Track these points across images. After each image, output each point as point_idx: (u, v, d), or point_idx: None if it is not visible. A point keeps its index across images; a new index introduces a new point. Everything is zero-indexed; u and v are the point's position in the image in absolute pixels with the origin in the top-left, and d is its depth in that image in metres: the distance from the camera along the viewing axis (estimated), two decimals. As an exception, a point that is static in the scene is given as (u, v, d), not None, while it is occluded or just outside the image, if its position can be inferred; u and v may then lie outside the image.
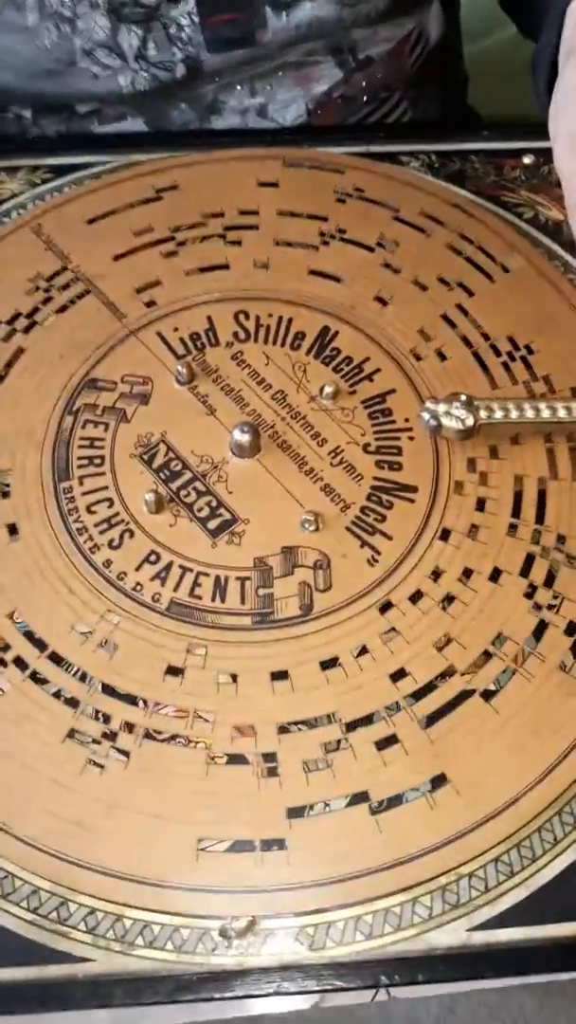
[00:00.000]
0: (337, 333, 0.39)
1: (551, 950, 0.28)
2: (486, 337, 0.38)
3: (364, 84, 0.51)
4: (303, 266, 0.40)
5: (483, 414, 0.35)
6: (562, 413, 0.35)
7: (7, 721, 0.31)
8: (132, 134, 0.49)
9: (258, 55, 0.48)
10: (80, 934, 0.28)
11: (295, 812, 0.29)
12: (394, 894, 0.28)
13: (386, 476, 0.35)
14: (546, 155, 0.42)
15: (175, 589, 0.33)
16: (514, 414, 0.35)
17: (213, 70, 0.48)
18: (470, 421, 0.35)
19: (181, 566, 0.34)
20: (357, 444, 0.36)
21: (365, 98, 0.52)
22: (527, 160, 0.45)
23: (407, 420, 0.36)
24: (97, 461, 0.36)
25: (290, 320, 0.39)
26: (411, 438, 0.36)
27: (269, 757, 0.30)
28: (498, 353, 0.38)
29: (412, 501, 0.35)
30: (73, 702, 0.31)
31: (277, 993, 0.28)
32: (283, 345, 0.38)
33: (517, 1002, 0.34)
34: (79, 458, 0.36)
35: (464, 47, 0.62)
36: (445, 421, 0.35)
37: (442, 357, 0.38)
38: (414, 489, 0.35)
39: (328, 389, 0.37)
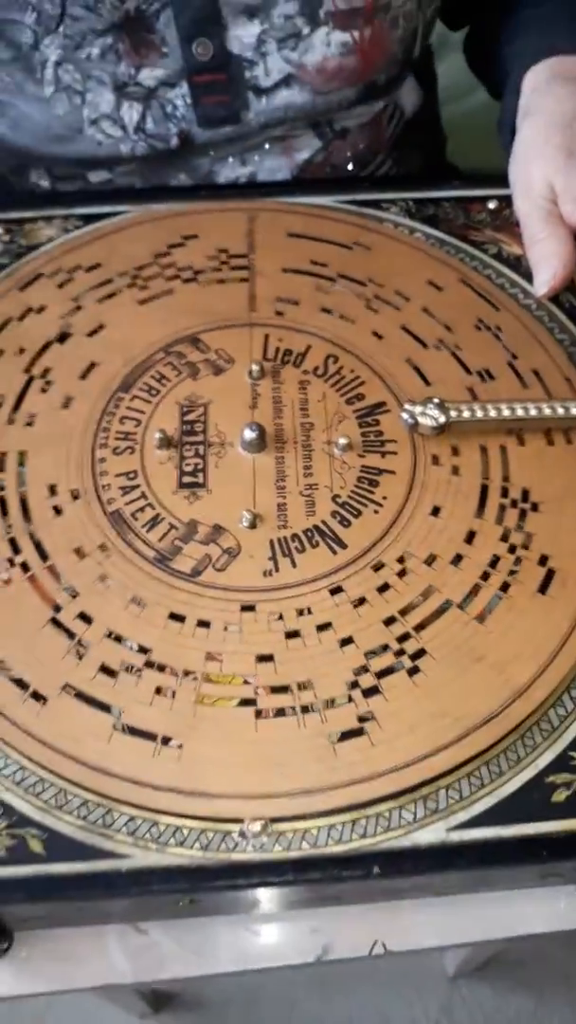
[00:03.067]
0: (389, 412, 0.43)
1: (515, 844, 0.32)
2: (505, 479, 0.41)
3: (348, 153, 0.55)
4: (407, 354, 0.45)
5: (452, 413, 0.40)
6: (520, 412, 0.41)
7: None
8: (139, 189, 0.55)
9: (245, 131, 0.52)
10: (123, 836, 0.32)
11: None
12: (384, 800, 0.33)
13: (332, 525, 0.39)
14: (508, 200, 0.48)
15: (126, 504, 0.39)
16: (479, 413, 0.40)
17: (205, 143, 0.52)
18: (441, 419, 0.40)
19: (143, 493, 0.40)
20: (331, 490, 0.40)
21: (350, 165, 0.56)
22: (491, 205, 0.51)
23: (384, 498, 0.40)
24: (153, 392, 0.43)
25: (362, 383, 0.43)
26: (376, 512, 0.39)
27: (80, 641, 0.36)
28: (504, 494, 0.40)
29: (335, 553, 0.38)
30: (13, 541, 0.38)
31: (289, 882, 0.32)
32: (342, 395, 0.43)
33: (514, 1006, 0.37)
34: (144, 384, 0.43)
35: (444, 109, 0.66)
36: (421, 419, 0.40)
37: (455, 471, 0.41)
38: (344, 545, 0.38)
39: (343, 441, 0.41)
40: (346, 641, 0.36)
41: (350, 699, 0.35)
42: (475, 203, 0.51)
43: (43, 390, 0.43)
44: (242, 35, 0.50)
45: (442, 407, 0.40)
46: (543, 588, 0.37)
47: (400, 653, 0.36)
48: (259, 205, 0.50)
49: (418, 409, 0.40)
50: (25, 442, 0.41)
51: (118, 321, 0.45)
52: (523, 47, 0.51)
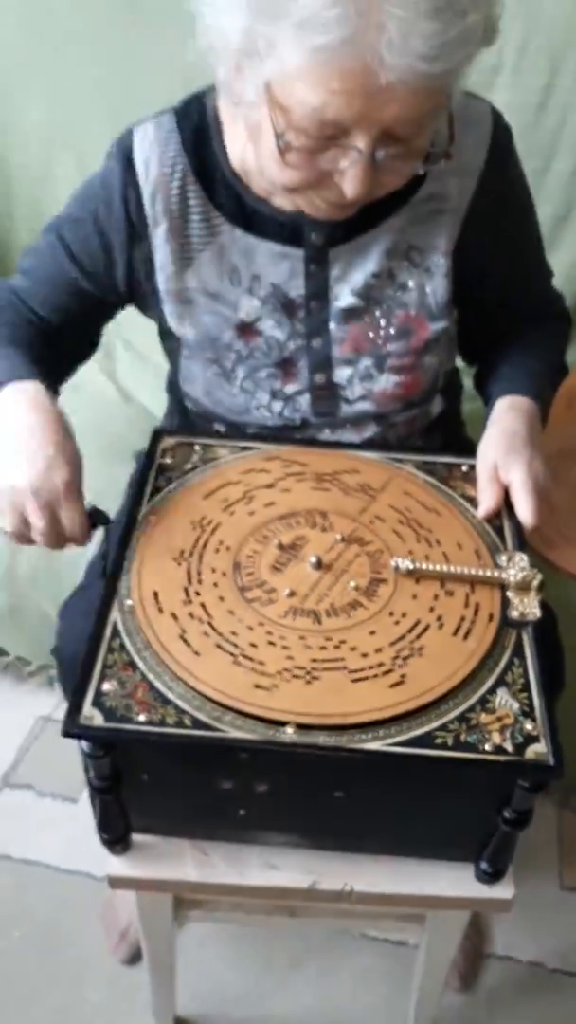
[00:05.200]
0: (387, 583, 0.78)
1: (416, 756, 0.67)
2: (416, 640, 0.75)
3: (393, 435, 0.93)
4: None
5: (416, 566, 0.77)
6: (454, 569, 0.77)
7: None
8: (272, 435, 0.95)
9: (336, 420, 0.94)
10: (228, 723, 0.67)
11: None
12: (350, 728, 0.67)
13: (322, 614, 0.75)
14: (473, 467, 0.88)
15: (245, 562, 0.79)
16: (431, 567, 0.77)
17: (315, 423, 0.95)
18: (412, 566, 0.77)
19: (254, 562, 0.79)
20: (332, 599, 0.76)
21: (396, 440, 0.94)
22: (464, 468, 0.90)
23: (353, 615, 0.75)
24: (289, 526, 0.82)
25: (384, 566, 0.79)
26: (346, 619, 0.75)
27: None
28: (412, 644, 0.74)
29: (315, 624, 0.74)
30: (191, 553, 0.79)
31: (302, 754, 0.67)
32: (371, 566, 0.79)
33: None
34: (288, 521, 0.83)
35: (471, 404, 1.07)
36: (401, 564, 0.77)
37: (396, 623, 0.76)
38: (321, 623, 0.74)
39: (353, 584, 0.77)
40: (293, 659, 0.72)
41: (285, 675, 0.71)
42: (456, 467, 0.91)
43: (245, 503, 0.85)
44: (342, 373, 0.92)
45: (413, 561, 0.78)
46: (394, 686, 0.71)
47: (316, 668, 0.71)
48: (400, 472, 0.89)
49: (401, 560, 0.78)
50: (222, 520, 0.83)
51: (296, 491, 0.86)
52: (498, 388, 0.93)
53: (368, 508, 0.86)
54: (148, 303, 0.96)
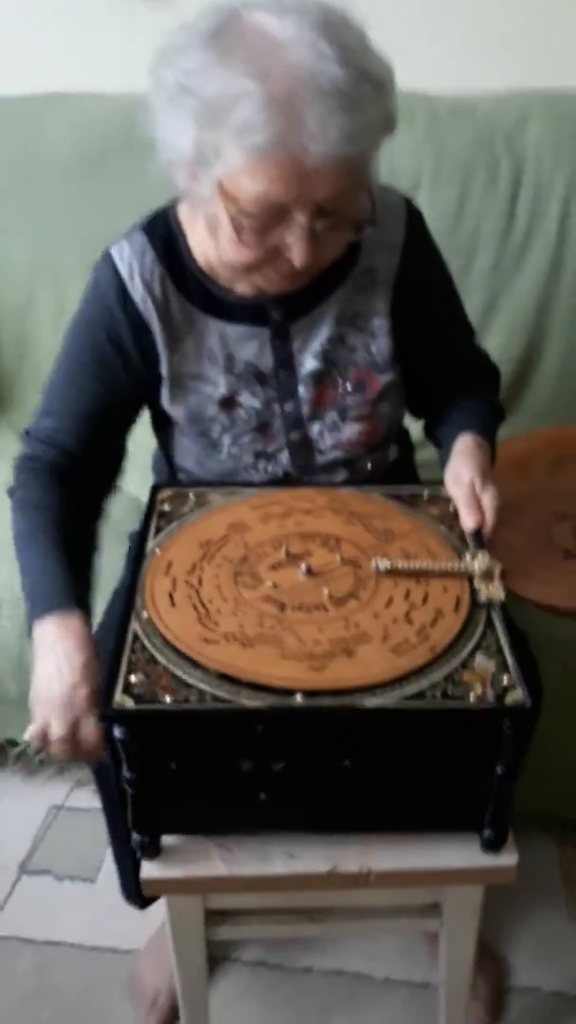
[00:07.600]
0: (353, 601, 0.89)
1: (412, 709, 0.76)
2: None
3: (360, 476, 1.08)
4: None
5: (393, 564, 0.88)
6: (425, 566, 0.86)
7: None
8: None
9: (312, 468, 1.09)
10: (246, 696, 0.76)
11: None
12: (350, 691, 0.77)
13: (310, 604, 0.85)
14: (434, 493, 1.03)
15: (255, 560, 0.90)
16: (406, 564, 0.87)
17: (295, 475, 1.08)
18: (388, 567, 0.87)
19: (257, 561, 0.90)
20: (300, 599, 0.87)
21: (363, 483, 1.06)
22: (424, 495, 1.03)
23: (336, 607, 0.86)
24: (306, 541, 0.93)
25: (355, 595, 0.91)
26: (323, 608, 0.85)
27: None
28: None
29: (308, 613, 0.84)
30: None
31: (311, 714, 0.76)
32: (350, 588, 0.91)
33: None
34: (303, 536, 0.94)
35: (423, 452, 1.25)
36: (380, 564, 0.87)
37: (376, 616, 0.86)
38: (314, 612, 0.85)
39: (327, 592, 0.88)
40: (243, 628, 0.81)
41: (229, 636, 0.80)
42: (418, 495, 1.02)
43: (281, 519, 0.97)
44: (313, 428, 1.07)
45: (391, 561, 0.89)
46: (313, 670, 0.79)
47: (255, 639, 0.80)
48: (425, 528, 0.98)
49: (379, 562, 0.89)
50: (256, 526, 0.96)
51: (326, 519, 0.97)
52: (455, 429, 1.06)
53: (380, 547, 0.93)
54: (153, 391, 1.07)
